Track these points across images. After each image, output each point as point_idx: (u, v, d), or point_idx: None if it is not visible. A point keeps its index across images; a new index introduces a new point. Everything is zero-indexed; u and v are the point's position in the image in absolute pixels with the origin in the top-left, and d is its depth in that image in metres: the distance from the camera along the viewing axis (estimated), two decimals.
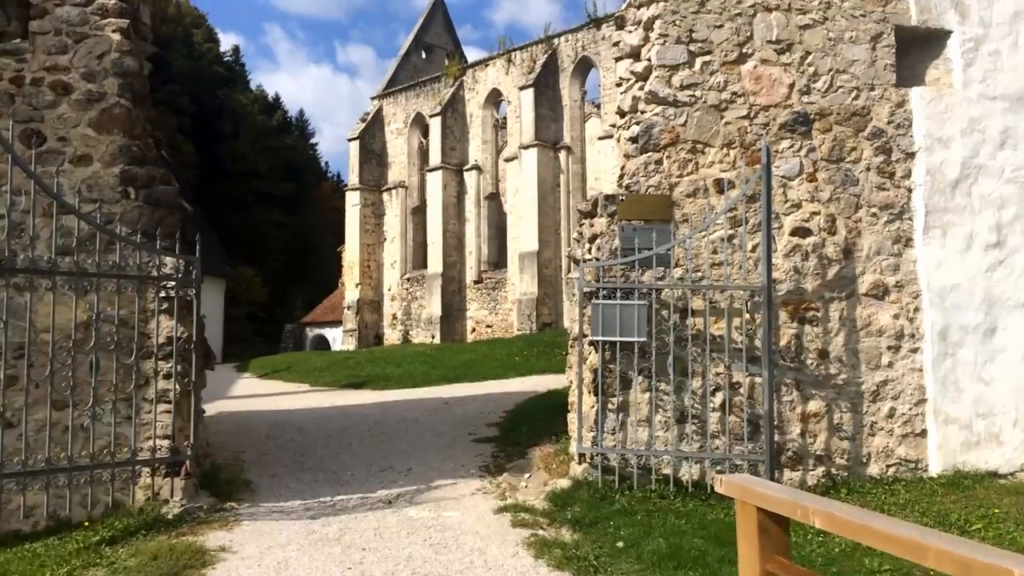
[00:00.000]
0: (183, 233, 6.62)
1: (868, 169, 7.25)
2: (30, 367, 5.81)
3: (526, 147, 30.97)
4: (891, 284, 7.18)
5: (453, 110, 34.69)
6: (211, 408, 12.80)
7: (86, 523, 5.96)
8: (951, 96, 7.41)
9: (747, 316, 6.86)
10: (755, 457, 6.66)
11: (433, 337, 33.01)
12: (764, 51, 7.24)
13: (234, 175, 49.48)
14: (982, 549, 2.17)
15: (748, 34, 7.23)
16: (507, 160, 33.29)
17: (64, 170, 6.39)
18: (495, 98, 34.38)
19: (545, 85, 31.26)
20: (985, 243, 7.23)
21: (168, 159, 37.52)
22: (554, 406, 10.60)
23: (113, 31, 6.56)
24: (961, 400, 7.11)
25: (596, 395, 6.84)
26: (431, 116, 34.99)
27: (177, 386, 6.37)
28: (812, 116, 7.23)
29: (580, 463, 6.86)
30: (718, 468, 6.76)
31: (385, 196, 37.66)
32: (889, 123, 7.31)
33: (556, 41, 31.71)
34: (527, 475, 7.55)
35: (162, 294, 6.41)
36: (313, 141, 63.70)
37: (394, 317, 36.53)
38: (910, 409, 7.09)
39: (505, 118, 34.58)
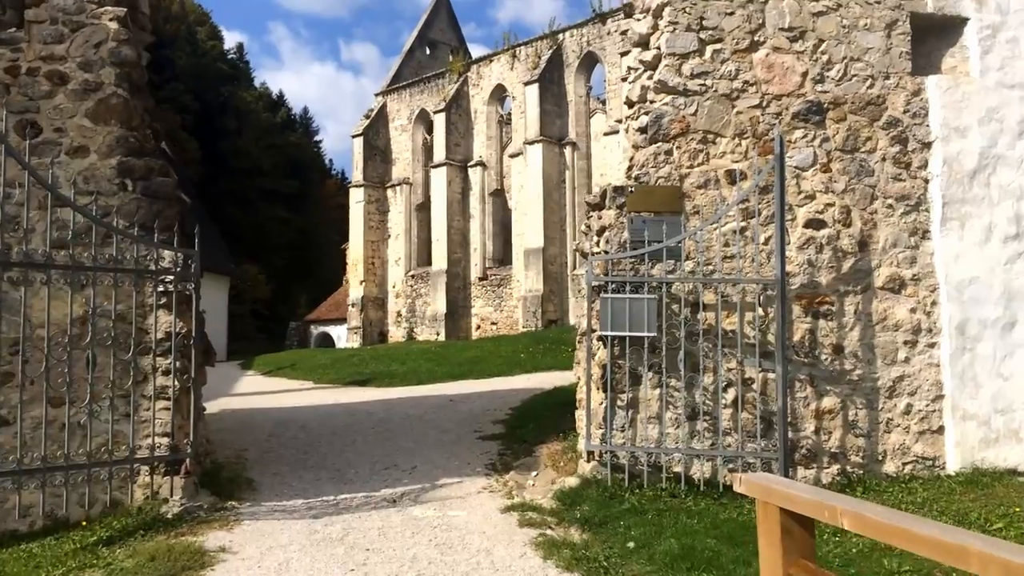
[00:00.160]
0: (182, 226, 6.47)
1: (884, 159, 7.07)
2: (25, 363, 5.67)
3: (531, 143, 30.79)
4: (908, 277, 7.00)
5: (457, 106, 34.52)
6: (214, 405, 12.70)
7: (84, 523, 5.82)
8: (968, 85, 7.22)
9: (760, 310, 6.69)
10: (768, 455, 6.49)
11: (438, 334, 32.88)
12: (776, 39, 7.06)
13: (238, 172, 49.40)
14: None
15: (760, 21, 7.05)
16: (512, 156, 33.10)
17: (60, 162, 6.25)
18: (500, 94, 34.20)
19: (550, 80, 31.07)
20: (1004, 235, 7.05)
21: (171, 155, 37.51)
22: (561, 403, 10.43)
23: (110, 20, 6.42)
24: (979, 396, 6.93)
25: (605, 391, 6.68)
26: (435, 112, 34.82)
27: (176, 382, 6.22)
28: (826, 105, 7.05)
29: (589, 461, 6.70)
30: (730, 466, 6.60)
31: (389, 193, 37.52)
32: (905, 112, 7.13)
33: (561, 36, 31.51)
34: (534, 473, 7.40)
35: (160, 288, 6.27)
36: (317, 139, 63.67)
37: (398, 314, 36.40)
38: (927, 405, 6.91)
39: (510, 114, 34.41)
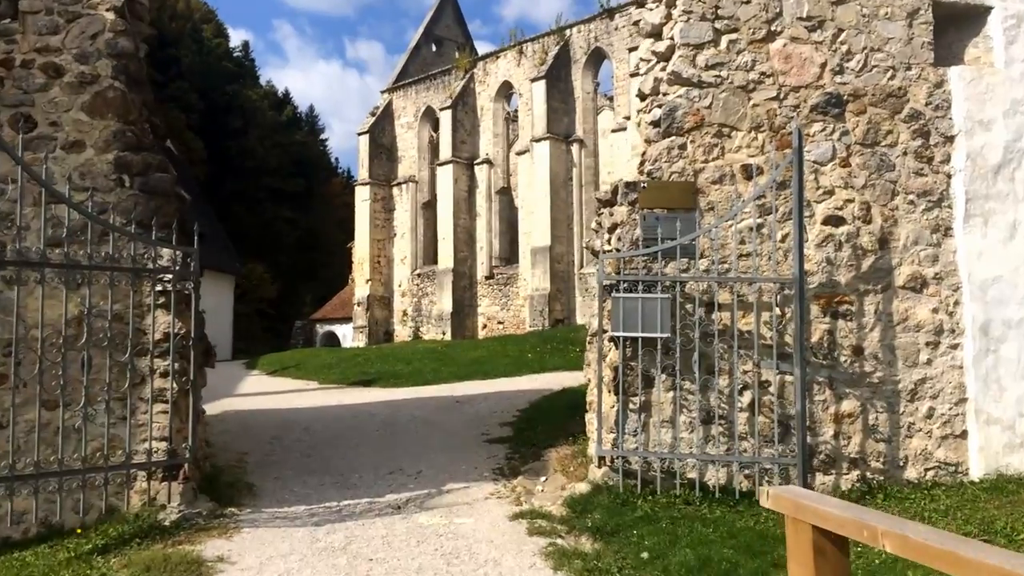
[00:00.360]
0: (181, 223, 6.27)
1: (905, 153, 6.83)
2: (18, 365, 5.49)
3: (538, 140, 30.56)
4: (929, 276, 6.76)
5: (464, 103, 34.31)
6: (217, 406, 12.53)
7: (79, 530, 5.63)
8: (992, 76, 6.98)
9: (777, 310, 6.46)
10: (786, 460, 6.26)
11: (444, 333, 32.69)
12: (794, 28, 6.83)
13: (243, 171, 49.28)
14: None
15: (777, 10, 6.82)
16: (518, 154, 32.88)
17: (56, 156, 6.06)
18: (506, 91, 33.97)
19: (557, 77, 30.83)
20: None
21: (177, 154, 37.32)
22: (570, 405, 10.22)
23: (107, 10, 6.22)
24: (1004, 399, 6.69)
25: (616, 394, 6.46)
26: (441, 109, 34.62)
27: (175, 385, 6.03)
28: (845, 97, 6.82)
29: (600, 466, 6.48)
30: (746, 472, 6.38)
31: (395, 191, 37.34)
32: (927, 104, 6.89)
33: (568, 32, 31.26)
34: (543, 478, 7.18)
35: (159, 288, 6.07)
36: (323, 137, 63.55)
37: (404, 313, 36.23)
38: (950, 409, 6.67)
39: (516, 111, 34.18)
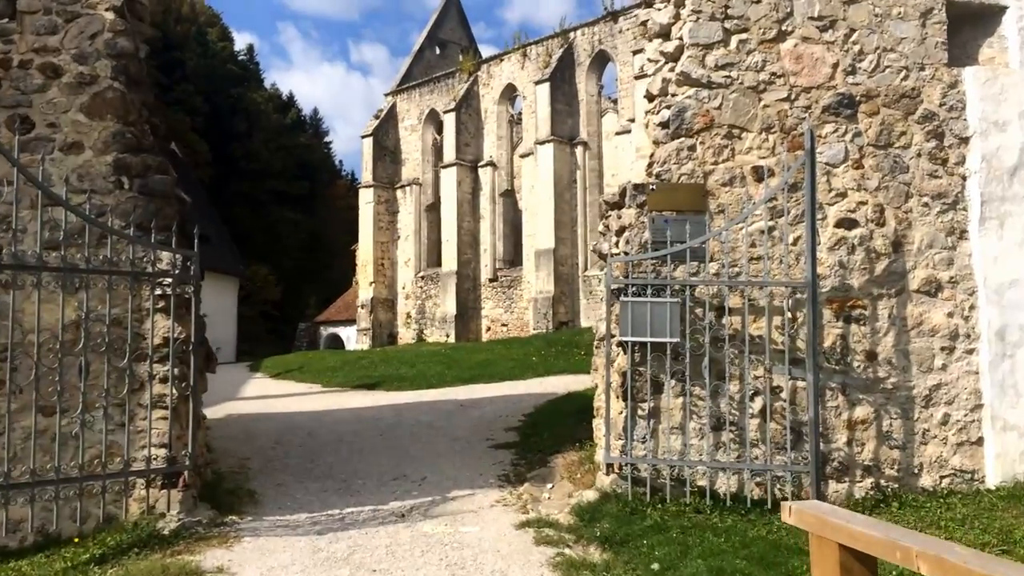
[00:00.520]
0: (181, 226, 6.16)
1: (919, 155, 6.70)
2: (14, 370, 5.38)
3: (542, 142, 30.45)
4: (944, 280, 6.62)
5: (467, 106, 34.21)
6: (220, 410, 12.43)
7: (76, 539, 5.52)
8: (1007, 76, 6.84)
9: (788, 315, 6.33)
10: (798, 468, 6.12)
11: (448, 336, 32.57)
12: (805, 28, 6.70)
13: (248, 174, 49.26)
14: None
15: (788, 10, 6.69)
16: (522, 156, 32.78)
17: (54, 158, 5.95)
18: (510, 93, 33.88)
19: (561, 79, 30.72)
20: None
21: (181, 156, 37.29)
22: (576, 410, 10.10)
23: (106, 10, 6.12)
24: (1020, 405, 6.55)
25: (625, 400, 6.33)
26: (445, 112, 34.53)
27: (174, 391, 5.91)
28: (858, 98, 6.68)
29: (608, 474, 6.35)
30: (758, 480, 6.25)
31: (399, 193, 37.26)
32: (941, 105, 6.75)
33: (572, 35, 31.16)
34: (550, 485, 7.05)
35: (158, 291, 5.95)
36: (327, 140, 63.49)
37: (408, 316, 36.12)
38: (965, 415, 6.53)
39: (520, 113, 34.09)
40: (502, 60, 33.93)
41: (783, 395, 6.32)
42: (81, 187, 5.94)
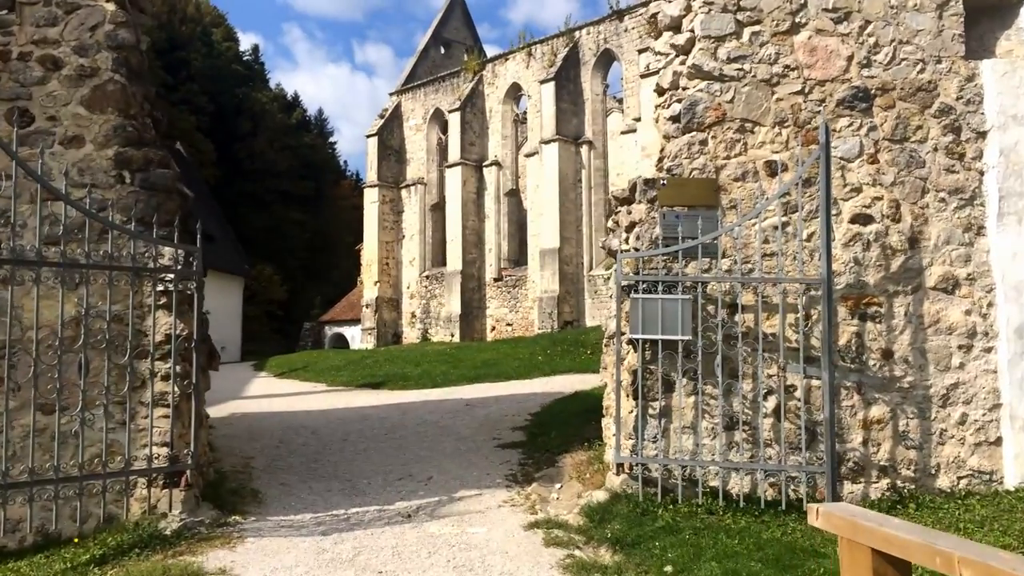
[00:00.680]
0: (184, 221, 6.05)
1: (935, 150, 6.55)
2: (12, 368, 5.27)
3: (547, 142, 30.31)
4: (962, 277, 6.48)
5: (472, 105, 34.09)
6: (224, 409, 12.34)
7: (76, 539, 5.41)
8: None
9: (802, 312, 6.19)
10: (813, 468, 5.99)
11: (452, 336, 32.46)
12: (819, 20, 6.57)
13: (253, 174, 49.23)
14: None
15: (802, 1, 6.56)
16: (527, 155, 32.64)
17: (54, 152, 5.85)
18: (515, 92, 33.75)
19: (566, 79, 30.58)
20: None
21: (186, 156, 37.25)
22: (583, 409, 9.97)
23: (107, 1, 6.01)
24: None
25: (635, 399, 6.21)
26: (450, 111, 34.41)
27: (176, 388, 5.79)
28: (873, 91, 6.55)
29: (618, 474, 6.22)
30: (771, 480, 6.11)
31: (404, 193, 37.15)
32: (958, 99, 6.61)
33: (577, 34, 31.02)
34: (558, 485, 6.93)
35: (160, 287, 5.84)
36: (332, 140, 63.42)
37: (413, 315, 36.01)
38: (983, 415, 6.38)
39: (525, 113, 33.95)
40: (507, 59, 33.81)
41: (797, 394, 6.18)
42: (81, 181, 5.83)
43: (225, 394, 14.67)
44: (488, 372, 16.76)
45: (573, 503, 6.36)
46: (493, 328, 32.76)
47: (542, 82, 30.86)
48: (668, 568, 4.86)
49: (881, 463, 6.26)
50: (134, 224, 5.78)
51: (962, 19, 6.71)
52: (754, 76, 6.52)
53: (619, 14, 29.58)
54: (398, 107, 37.81)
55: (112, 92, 5.99)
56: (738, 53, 6.53)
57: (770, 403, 6.20)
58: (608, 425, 6.76)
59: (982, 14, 6.91)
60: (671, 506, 5.90)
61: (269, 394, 16.01)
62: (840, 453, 6.14)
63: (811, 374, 6.12)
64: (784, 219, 6.29)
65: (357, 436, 9.74)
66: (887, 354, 6.34)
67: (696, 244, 6.14)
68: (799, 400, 6.16)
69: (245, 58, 55.93)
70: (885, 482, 6.25)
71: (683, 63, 6.69)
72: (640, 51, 27.49)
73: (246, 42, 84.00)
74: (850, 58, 6.57)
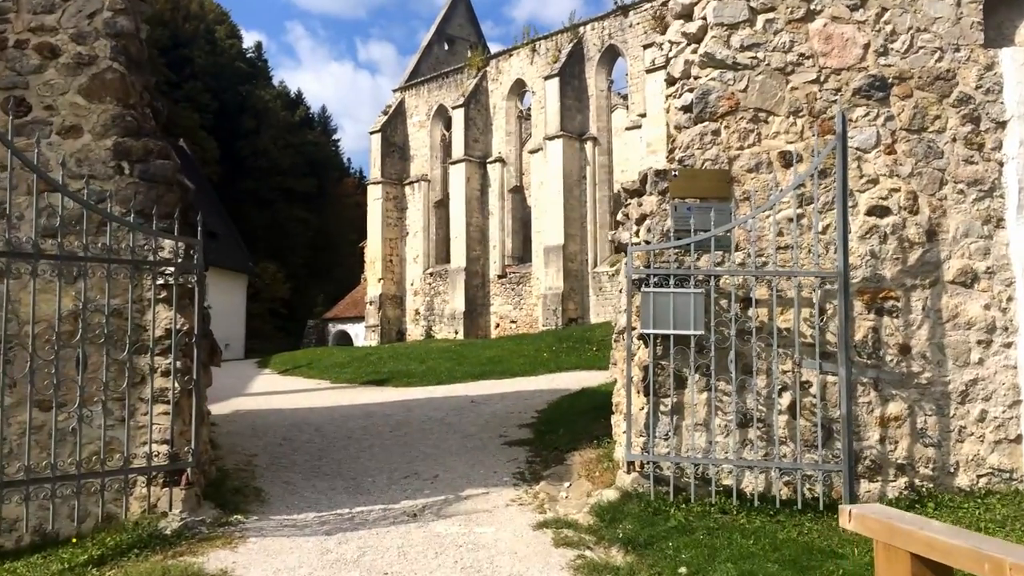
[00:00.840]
0: (184, 213, 5.91)
1: (954, 140, 6.39)
2: (8, 363, 5.13)
3: (551, 138, 30.18)
4: (981, 270, 6.31)
5: (476, 102, 33.96)
6: (227, 406, 12.21)
7: (74, 539, 5.27)
8: None
9: (818, 306, 6.03)
10: (829, 467, 5.83)
11: (456, 333, 32.34)
12: (835, 7, 6.40)
13: (256, 171, 49.14)
14: None
15: None
16: (531, 152, 32.51)
17: (51, 142, 5.71)
18: (519, 89, 33.60)
19: (571, 75, 30.44)
20: None
21: (190, 153, 37.17)
22: (591, 406, 9.83)
23: None
24: None
25: (646, 395, 6.06)
26: (454, 108, 34.28)
27: (177, 384, 5.65)
28: (890, 80, 6.38)
29: (629, 472, 6.07)
30: (786, 479, 5.96)
31: (407, 190, 37.04)
32: (977, 88, 6.44)
33: (582, 30, 30.86)
34: (567, 484, 6.78)
35: (160, 281, 5.70)
36: (335, 138, 63.39)
37: (417, 312, 35.91)
38: (1003, 412, 6.22)
39: (529, 109, 33.81)
40: (511, 55, 33.65)
41: (812, 390, 6.03)
42: (79, 172, 5.69)
43: (228, 391, 14.55)
44: (493, 369, 16.62)
45: (583, 502, 6.21)
46: (497, 325, 32.64)
47: (546, 78, 30.72)
48: (682, 570, 4.71)
49: (899, 461, 6.11)
50: (133, 216, 5.64)
51: (981, 6, 6.54)
52: (768, 64, 6.36)
53: (624, 9, 29.42)
54: (402, 103, 37.68)
55: (111, 81, 5.85)
56: (752, 41, 6.37)
57: (785, 400, 6.05)
58: (618, 422, 6.62)
59: (1001, 2, 6.73)
60: (683, 505, 5.76)
61: (273, 391, 15.89)
62: (857, 451, 5.99)
63: (827, 370, 5.95)
64: (799, 211, 6.13)
65: (362, 433, 9.60)
66: (904, 349, 6.19)
67: (709, 237, 5.99)
68: (814, 396, 6.00)
69: (248, 55, 55.83)
70: (903, 481, 6.10)
71: (695, 51, 6.53)
72: (645, 47, 27.33)
73: (249, 40, 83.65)
74: (867, 46, 6.40)
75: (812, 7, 6.40)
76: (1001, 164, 6.42)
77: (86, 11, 5.85)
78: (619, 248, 6.91)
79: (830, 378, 6.00)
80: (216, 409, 11.37)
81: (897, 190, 6.31)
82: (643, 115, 27.10)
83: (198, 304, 5.83)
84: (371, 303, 36.51)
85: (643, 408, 6.09)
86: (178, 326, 5.68)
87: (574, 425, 8.84)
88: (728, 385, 6.01)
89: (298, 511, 6.18)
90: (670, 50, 6.98)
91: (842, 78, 6.38)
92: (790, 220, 6.12)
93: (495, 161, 33.66)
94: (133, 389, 5.59)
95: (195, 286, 5.80)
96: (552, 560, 4.98)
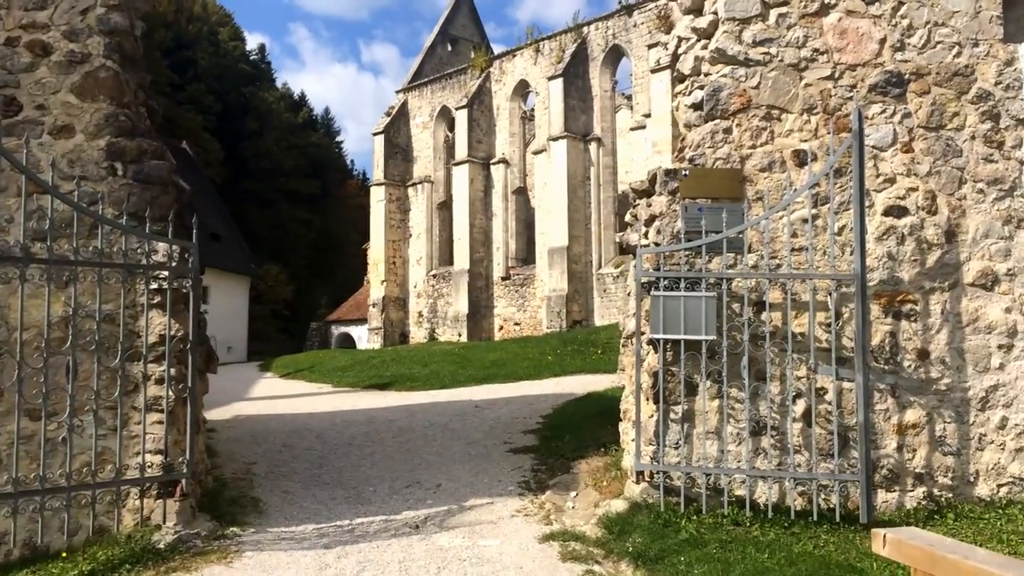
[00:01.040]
0: (179, 215, 5.74)
1: (973, 138, 6.19)
2: None
3: (555, 139, 29.99)
4: (1001, 272, 6.11)
5: (479, 102, 33.78)
6: (227, 411, 12.05)
7: (64, 553, 5.10)
8: None
9: (833, 310, 5.83)
10: (845, 477, 5.63)
11: (460, 335, 32.16)
12: (850, 1, 6.21)
13: (259, 173, 49.05)
14: None
15: None
16: (535, 153, 32.32)
17: (42, 142, 5.54)
18: (523, 89, 33.42)
19: (574, 75, 30.25)
20: None
21: (193, 155, 37.06)
22: (598, 411, 9.63)
23: None
24: None
25: (656, 403, 5.86)
26: (457, 109, 34.11)
27: (171, 392, 5.47)
28: (907, 76, 6.18)
29: (638, 482, 5.88)
30: (801, 489, 5.76)
31: (410, 191, 36.87)
32: (996, 84, 6.24)
33: (586, 30, 30.67)
34: (573, 493, 6.58)
35: (153, 285, 5.52)
36: (338, 139, 63.24)
37: (420, 315, 35.73)
38: None
39: (533, 110, 33.63)
40: (514, 56, 33.48)
41: (828, 397, 5.83)
42: (71, 173, 5.52)
43: (229, 396, 14.39)
44: (497, 373, 16.43)
45: (590, 513, 6.02)
46: (501, 327, 32.45)
47: (550, 79, 30.54)
48: None
49: (917, 470, 5.90)
50: (126, 218, 5.46)
51: (1000, 0, 6.34)
52: (781, 60, 6.17)
53: (628, 9, 29.23)
54: (405, 105, 37.52)
55: (104, 79, 5.68)
56: (764, 36, 6.18)
57: (799, 407, 5.85)
58: (626, 430, 6.43)
59: None
60: (695, 517, 5.56)
61: (274, 395, 15.72)
62: (873, 460, 5.78)
63: (843, 376, 5.76)
64: (814, 212, 5.94)
65: (363, 440, 9.42)
66: (923, 354, 5.99)
67: (720, 238, 5.80)
68: (830, 403, 5.80)
69: (251, 57, 55.76)
70: (921, 490, 5.90)
71: (705, 47, 6.34)
72: (649, 46, 27.12)
73: (252, 42, 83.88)
74: (883, 41, 6.21)
75: (826, 1, 6.21)
76: (1021, 163, 6.22)
77: (79, 7, 5.68)
78: (627, 250, 6.72)
79: (846, 384, 5.80)
80: (216, 414, 11.22)
81: (915, 189, 6.11)
82: (648, 115, 26.91)
83: (193, 309, 5.65)
84: (374, 305, 36.35)
85: (653, 416, 5.89)
86: (172, 332, 5.50)
87: (580, 431, 8.64)
88: (740, 392, 5.81)
89: (297, 522, 6.00)
90: (678, 46, 6.79)
91: (857, 74, 6.19)
92: (804, 221, 5.93)
93: (499, 162, 33.47)
94: (126, 397, 5.41)
95: (190, 291, 5.62)
96: (559, 575, 4.79)
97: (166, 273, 5.52)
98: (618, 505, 5.84)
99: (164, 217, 5.58)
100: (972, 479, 5.95)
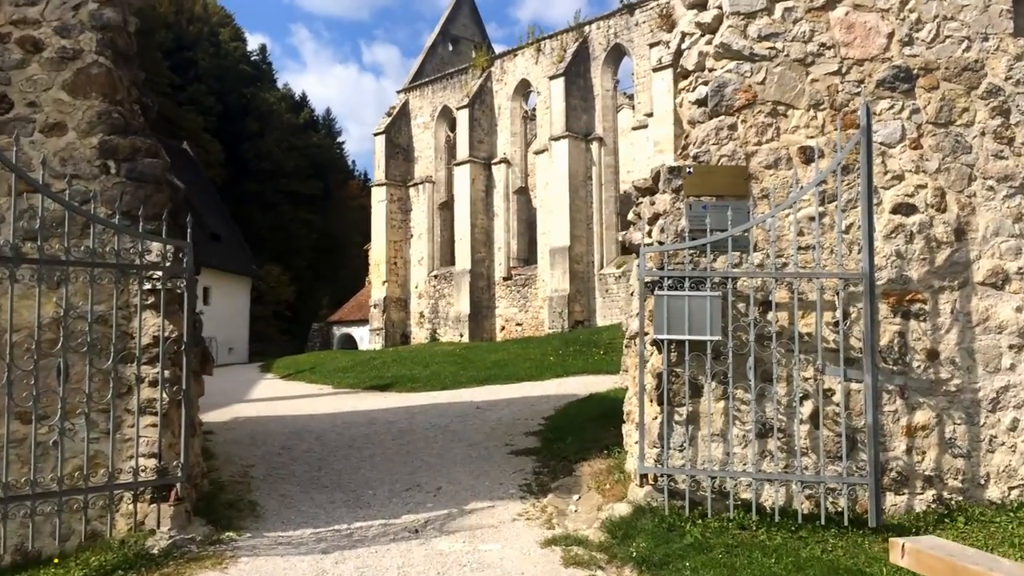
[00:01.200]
0: (173, 214, 5.63)
1: (983, 134, 6.07)
2: None
3: (556, 138, 29.89)
4: (1012, 271, 5.99)
5: (481, 102, 33.68)
6: (226, 413, 11.95)
7: (56, 559, 4.99)
8: None
9: (841, 309, 5.72)
10: (854, 480, 5.51)
11: (461, 336, 32.06)
12: None
13: (260, 174, 49.00)
14: None
15: None
16: (537, 153, 32.22)
17: (34, 140, 5.44)
18: (524, 89, 33.32)
19: (576, 74, 30.14)
20: None
21: (194, 156, 36.99)
22: (600, 412, 9.52)
23: None
24: None
25: (660, 404, 5.75)
26: (458, 109, 34.02)
27: (165, 395, 5.36)
28: (915, 71, 6.06)
29: (642, 485, 5.76)
30: (808, 492, 5.64)
31: (412, 192, 36.78)
32: (1007, 79, 6.12)
33: (587, 29, 30.57)
34: (576, 497, 6.47)
35: (147, 286, 5.41)
36: (339, 140, 63.21)
37: (421, 315, 35.63)
38: None
39: (534, 110, 33.53)
40: (516, 55, 33.38)
41: (835, 398, 5.71)
42: (63, 172, 5.41)
43: (229, 397, 14.31)
44: (499, 373, 16.32)
45: (593, 516, 5.91)
46: (503, 328, 32.34)
47: (551, 78, 30.44)
48: None
49: (926, 473, 5.79)
50: (119, 218, 5.36)
51: None
52: (787, 55, 6.05)
53: (629, 8, 29.11)
54: (406, 105, 37.43)
55: (96, 76, 5.57)
56: (770, 31, 6.06)
57: (806, 408, 5.73)
58: (630, 432, 6.32)
59: None
60: (700, 521, 5.44)
61: (274, 397, 15.62)
62: (882, 462, 5.67)
63: (851, 376, 5.63)
64: (820, 209, 5.81)
65: (363, 441, 9.31)
66: (932, 355, 5.87)
67: (726, 237, 5.68)
68: (838, 405, 5.68)
69: (252, 58, 55.73)
70: (930, 493, 5.78)
71: (709, 42, 6.22)
72: (651, 45, 27.00)
73: (253, 42, 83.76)
74: (890, 35, 6.09)
75: None
76: None
77: (71, 3, 5.57)
78: (630, 249, 6.61)
79: (854, 385, 5.69)
80: (215, 416, 11.13)
81: (924, 187, 5.99)
82: (650, 115, 26.79)
83: (188, 310, 5.54)
84: (375, 306, 36.26)
85: (657, 417, 5.78)
86: (166, 333, 5.40)
87: (583, 433, 8.53)
88: (746, 393, 5.69)
89: (294, 527, 5.89)
90: (681, 42, 6.67)
91: (865, 69, 6.07)
92: (811, 219, 5.81)
93: (500, 162, 33.37)
94: (119, 400, 5.30)
95: (184, 291, 5.51)
96: None
97: (160, 273, 5.42)
98: (621, 509, 5.73)
99: (158, 216, 5.47)
100: (983, 482, 5.84)
